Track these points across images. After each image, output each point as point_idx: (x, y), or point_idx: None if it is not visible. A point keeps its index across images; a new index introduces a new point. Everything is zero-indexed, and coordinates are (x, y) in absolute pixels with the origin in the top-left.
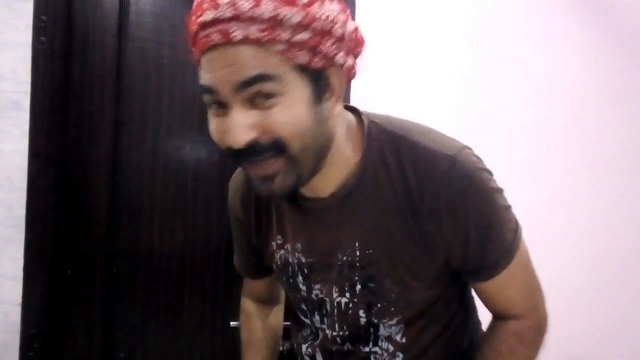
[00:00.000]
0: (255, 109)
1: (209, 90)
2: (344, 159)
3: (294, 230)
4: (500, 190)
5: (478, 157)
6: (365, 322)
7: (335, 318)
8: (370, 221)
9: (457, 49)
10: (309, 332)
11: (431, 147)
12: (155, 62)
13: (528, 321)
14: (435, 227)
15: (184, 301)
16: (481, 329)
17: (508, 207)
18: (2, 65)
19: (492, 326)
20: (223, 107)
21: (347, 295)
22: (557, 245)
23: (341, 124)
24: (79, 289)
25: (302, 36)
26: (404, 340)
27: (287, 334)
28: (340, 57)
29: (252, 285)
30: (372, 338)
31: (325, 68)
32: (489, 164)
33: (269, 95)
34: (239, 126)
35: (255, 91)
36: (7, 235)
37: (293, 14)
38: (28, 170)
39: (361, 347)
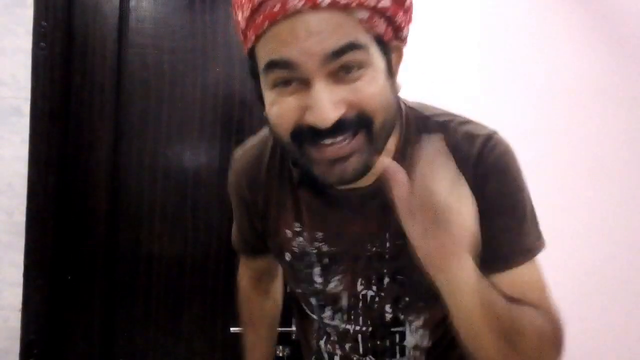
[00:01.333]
0: (340, 83)
1: (285, 64)
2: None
3: (313, 218)
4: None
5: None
6: (391, 318)
7: (359, 311)
8: None
9: (459, 52)
10: (317, 328)
11: (472, 131)
12: (155, 67)
13: (545, 317)
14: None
15: (184, 307)
16: None
17: (529, 199)
18: (2, 71)
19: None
20: (298, 84)
21: (374, 288)
22: (557, 247)
23: None
24: (79, 295)
25: (385, 3)
26: (430, 344)
27: (285, 338)
28: (406, 30)
29: (250, 262)
30: (397, 349)
31: (391, 41)
32: None
33: (358, 66)
34: (328, 102)
35: (345, 62)
36: (7, 241)
37: None
38: (28, 176)
39: None
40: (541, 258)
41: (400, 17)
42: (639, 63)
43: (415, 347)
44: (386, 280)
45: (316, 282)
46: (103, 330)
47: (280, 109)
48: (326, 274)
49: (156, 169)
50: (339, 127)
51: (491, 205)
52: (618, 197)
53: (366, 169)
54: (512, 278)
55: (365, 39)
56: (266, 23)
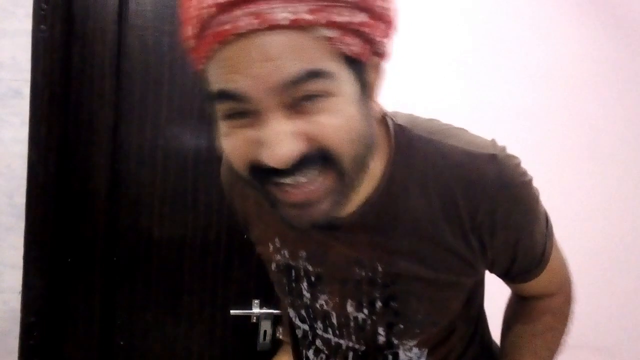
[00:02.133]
0: (300, 114)
1: (236, 96)
2: (367, 170)
3: (295, 236)
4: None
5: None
6: (384, 342)
7: (351, 330)
8: (396, 242)
9: (456, 38)
10: (306, 338)
11: (472, 151)
12: (155, 50)
13: (560, 297)
14: (488, 238)
15: (184, 289)
16: (494, 341)
17: (543, 208)
18: (2, 53)
19: (519, 305)
20: (251, 116)
21: (365, 311)
22: (557, 235)
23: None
24: (79, 277)
25: (360, 18)
26: None
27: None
28: (388, 47)
29: None
30: None
31: (368, 59)
32: None
33: (320, 97)
34: (284, 139)
35: (305, 91)
36: (7, 223)
37: None
38: (28, 158)
39: None
40: None
41: (380, 32)
42: (637, 48)
43: None
44: (378, 304)
45: (305, 297)
46: (103, 313)
47: (233, 143)
48: (314, 291)
49: (156, 151)
50: (299, 166)
51: (518, 237)
52: (616, 184)
53: (339, 209)
54: (537, 282)
55: (331, 64)
56: (215, 44)
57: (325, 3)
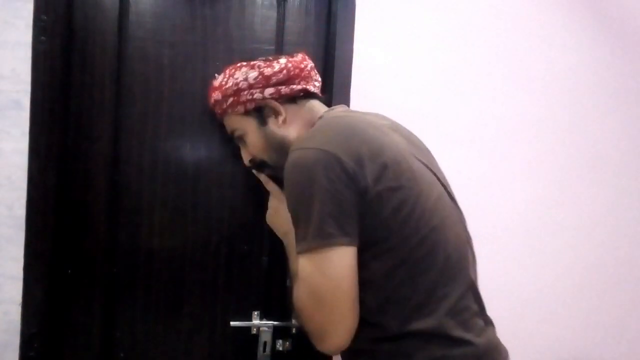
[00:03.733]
0: (244, 147)
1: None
2: None
3: None
4: (306, 184)
5: (309, 154)
6: None
7: None
8: None
9: (456, 47)
10: None
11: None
12: (155, 61)
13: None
14: None
15: (184, 301)
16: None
17: (309, 201)
18: (2, 64)
19: None
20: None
21: None
22: (556, 244)
23: (298, 126)
24: (79, 289)
25: (229, 101)
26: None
27: (286, 332)
28: (257, 94)
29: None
30: None
31: (257, 104)
32: (487, 162)
33: (241, 138)
34: (243, 155)
35: (236, 138)
36: (7, 234)
37: (218, 95)
38: (28, 169)
39: None
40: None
41: (245, 96)
42: (637, 57)
43: None
44: None
45: None
46: (103, 324)
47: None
48: None
49: (156, 163)
50: (255, 165)
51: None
52: (616, 193)
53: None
54: (300, 262)
55: (237, 121)
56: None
57: (218, 104)
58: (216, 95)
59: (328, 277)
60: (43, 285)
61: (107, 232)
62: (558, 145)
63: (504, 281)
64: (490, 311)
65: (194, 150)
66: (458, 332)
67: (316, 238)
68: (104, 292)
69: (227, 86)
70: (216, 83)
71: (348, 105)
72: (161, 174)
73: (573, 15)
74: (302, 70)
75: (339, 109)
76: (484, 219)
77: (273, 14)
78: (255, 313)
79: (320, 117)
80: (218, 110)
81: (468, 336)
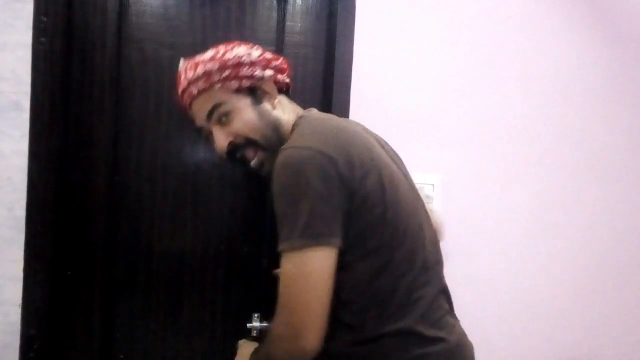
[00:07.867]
0: (225, 126)
1: (200, 129)
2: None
3: None
4: (297, 183)
5: (303, 154)
6: None
7: None
8: None
9: (456, 48)
10: None
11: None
12: (154, 62)
13: (277, 320)
14: None
15: (183, 302)
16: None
17: (299, 200)
18: (2, 66)
19: None
20: (211, 134)
21: None
22: (556, 244)
23: (291, 111)
24: (79, 290)
25: (225, 73)
26: None
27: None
28: (258, 72)
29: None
30: None
31: (253, 83)
32: (488, 163)
33: (226, 114)
34: (219, 137)
35: (217, 115)
36: (7, 236)
37: (213, 65)
38: (28, 171)
39: None
40: (541, 252)
41: (244, 72)
42: (637, 59)
43: None
44: None
45: None
46: (103, 326)
47: (213, 148)
48: None
49: (156, 164)
50: (235, 148)
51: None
52: (617, 194)
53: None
54: (282, 261)
55: (224, 97)
56: (187, 108)
57: (206, 77)
58: (210, 66)
59: (306, 277)
60: (43, 286)
61: (107, 234)
62: (558, 146)
63: (504, 281)
64: (490, 311)
65: (194, 152)
66: (432, 331)
67: (302, 237)
68: (103, 293)
69: (226, 57)
70: (208, 55)
71: (348, 105)
72: (161, 175)
73: (573, 16)
74: (287, 68)
75: (314, 111)
76: (483, 219)
77: (273, 14)
78: (255, 315)
79: (301, 117)
80: (202, 85)
81: (441, 334)
